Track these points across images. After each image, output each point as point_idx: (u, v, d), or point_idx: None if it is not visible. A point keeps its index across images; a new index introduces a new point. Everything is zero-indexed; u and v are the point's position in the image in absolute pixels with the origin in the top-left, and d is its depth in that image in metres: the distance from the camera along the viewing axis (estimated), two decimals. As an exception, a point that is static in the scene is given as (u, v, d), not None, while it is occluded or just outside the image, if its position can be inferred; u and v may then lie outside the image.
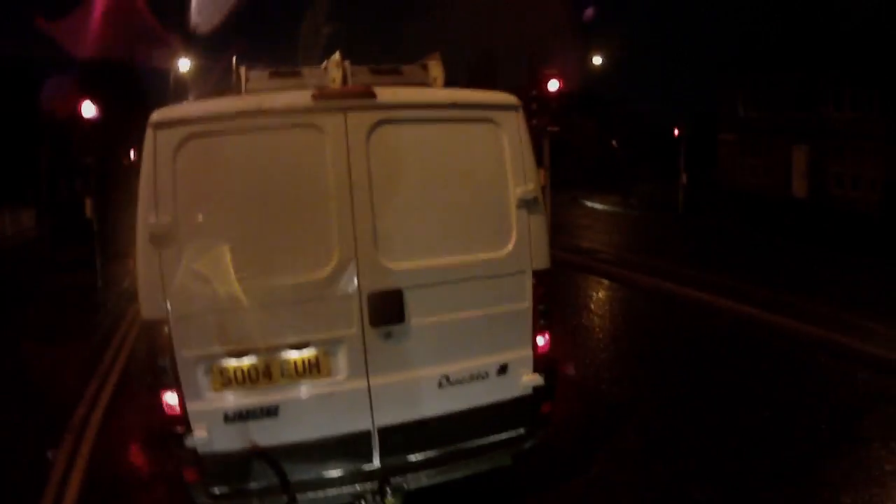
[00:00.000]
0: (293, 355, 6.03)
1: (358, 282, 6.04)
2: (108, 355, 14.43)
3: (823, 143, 44.92)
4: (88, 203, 22.31)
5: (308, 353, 6.06)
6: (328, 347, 6.09)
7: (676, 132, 41.56)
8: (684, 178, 38.89)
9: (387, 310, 6.11)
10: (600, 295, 18.62)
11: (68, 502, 8.38)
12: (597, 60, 42.50)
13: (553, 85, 23.91)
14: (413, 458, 6.44)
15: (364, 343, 6.13)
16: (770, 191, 47.31)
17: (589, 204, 44.84)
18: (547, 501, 7.79)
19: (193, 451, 5.89)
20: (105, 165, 27.41)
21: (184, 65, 36.30)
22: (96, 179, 22.95)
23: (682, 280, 18.73)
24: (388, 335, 6.17)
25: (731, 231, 31.21)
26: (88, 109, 21.87)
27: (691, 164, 39.64)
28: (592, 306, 17.27)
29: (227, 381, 5.93)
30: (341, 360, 6.13)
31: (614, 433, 9.29)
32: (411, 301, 6.18)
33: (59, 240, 30.25)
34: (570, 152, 52.56)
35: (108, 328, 16.86)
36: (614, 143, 57.59)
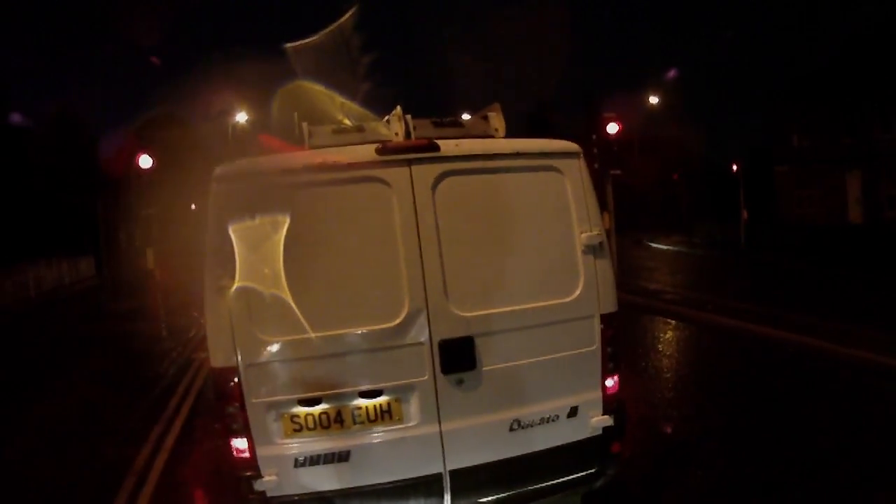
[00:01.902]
0: (365, 402, 6.05)
1: (429, 330, 6.04)
2: (174, 402, 14.50)
3: (875, 167, 44.42)
4: (149, 254, 22.53)
5: (380, 400, 6.07)
6: (400, 394, 6.09)
7: (735, 168, 41.24)
8: (745, 215, 38.51)
9: (458, 357, 6.10)
10: (667, 335, 18.41)
11: None
12: (653, 100, 42.49)
13: (612, 128, 23.88)
14: (484, 500, 6.38)
15: (436, 389, 6.11)
16: (827, 219, 46.96)
17: (653, 245, 44.67)
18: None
19: (262, 495, 5.93)
20: (165, 216, 27.64)
21: (242, 118, 36.69)
22: (157, 230, 23.16)
23: (747, 317, 18.46)
24: (459, 381, 6.14)
25: (793, 265, 30.89)
26: (146, 161, 22.16)
27: (749, 198, 39.25)
28: (660, 346, 17.09)
29: (298, 427, 5.97)
30: (413, 407, 6.12)
31: (682, 472, 9.17)
32: (482, 348, 6.15)
33: (118, 289, 30.57)
34: (632, 194, 52.40)
35: (174, 376, 16.99)
36: (675, 176, 57.28)
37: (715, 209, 51.92)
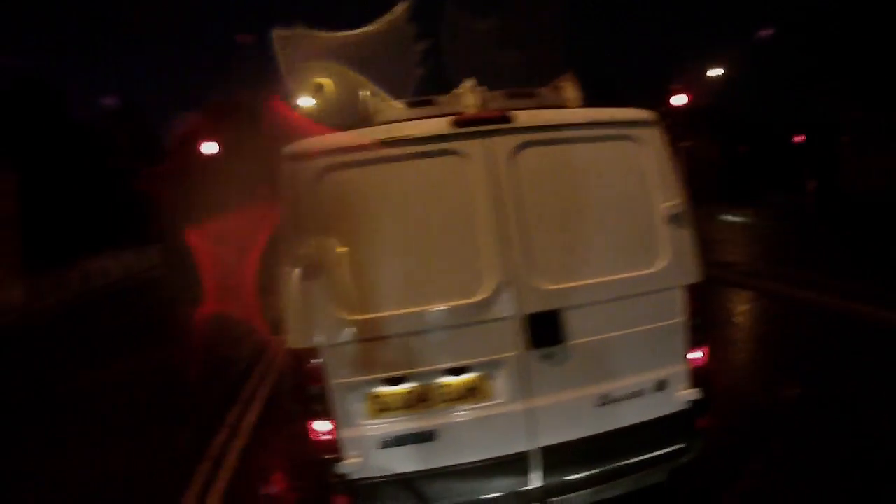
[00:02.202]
0: (451, 380, 6.00)
1: (516, 304, 5.96)
2: (250, 385, 14.53)
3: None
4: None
5: (467, 378, 6.01)
6: (487, 371, 6.02)
7: (799, 139, 40.47)
8: (812, 185, 37.74)
9: (546, 331, 6.03)
10: (744, 307, 18.05)
11: None
12: (716, 72, 42.03)
13: (680, 99, 23.49)
14: (572, 477, 6.28)
15: (524, 365, 6.03)
16: (892, 190, 45.63)
17: (723, 217, 44.04)
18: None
19: (345, 478, 5.92)
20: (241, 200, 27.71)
21: (305, 102, 36.69)
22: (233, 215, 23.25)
23: (823, 289, 18.09)
24: (547, 356, 6.06)
25: (863, 236, 30.17)
26: (211, 147, 22.22)
27: (813, 169, 38.44)
28: (737, 318, 16.78)
29: (383, 407, 5.93)
30: (500, 384, 6.04)
31: (765, 447, 8.90)
32: (569, 321, 6.07)
33: (189, 277, 30.82)
34: (700, 166, 51.79)
35: (250, 360, 17.04)
36: (741, 149, 56.42)
37: (781, 181, 51.02)
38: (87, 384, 15.89)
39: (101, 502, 9.28)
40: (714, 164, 59.89)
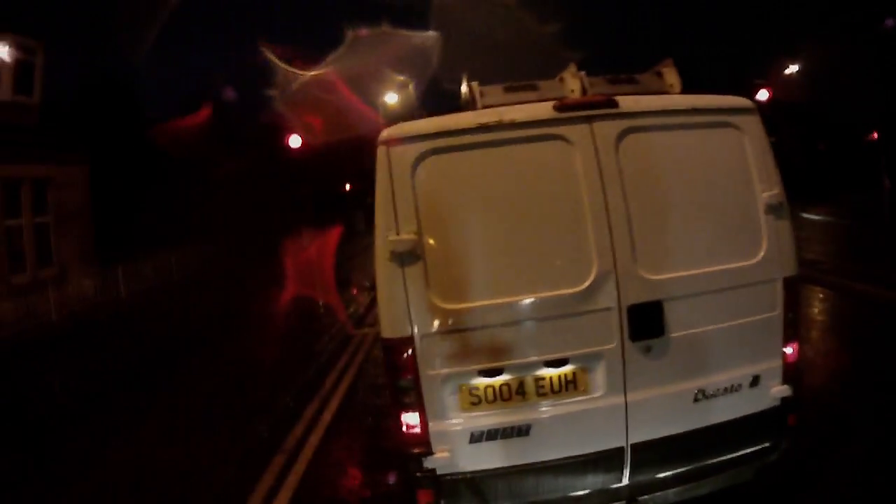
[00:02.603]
0: (549, 372, 5.78)
1: (618, 294, 5.75)
2: (330, 379, 14.26)
3: None
4: (305, 232, 22.36)
5: (565, 370, 5.80)
6: (586, 363, 5.81)
7: (875, 135, 39.26)
8: (887, 184, 36.38)
9: (647, 323, 5.82)
10: (826, 306, 17.59)
11: None
12: (796, 67, 41.27)
13: (762, 94, 22.85)
14: (662, 475, 6.07)
15: (623, 358, 5.82)
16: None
17: (804, 215, 42.88)
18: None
19: (433, 473, 5.73)
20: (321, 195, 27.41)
21: (391, 98, 36.23)
22: (314, 208, 22.93)
23: None
24: (647, 349, 5.85)
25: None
26: (296, 141, 22.01)
27: (889, 169, 37.11)
28: (821, 317, 16.34)
29: (477, 400, 5.75)
30: (599, 376, 5.83)
31: (845, 448, 8.60)
32: (669, 313, 5.86)
33: (269, 270, 30.49)
34: (782, 163, 50.79)
35: (332, 353, 16.71)
36: (821, 146, 55.24)
37: (857, 179, 49.57)
38: (161, 377, 15.68)
39: (173, 492, 9.05)
40: (795, 161, 58.78)
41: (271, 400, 12.76)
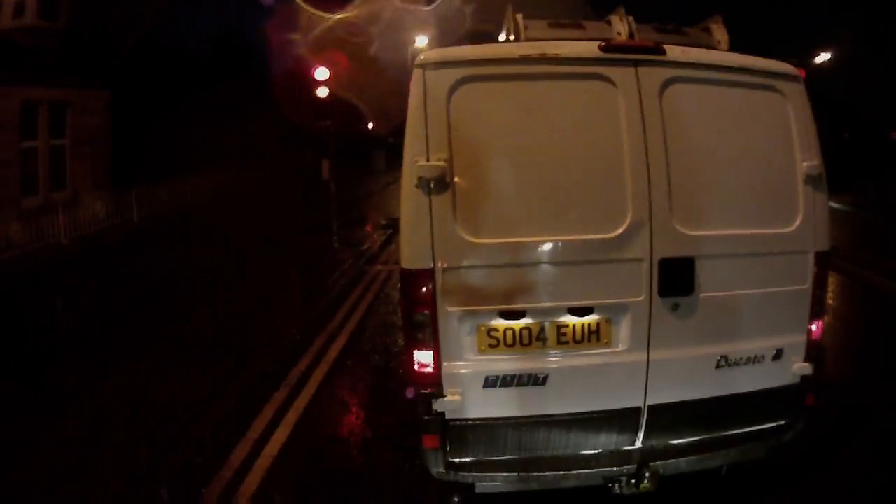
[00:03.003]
0: (573, 320, 5.64)
1: (651, 246, 5.60)
2: (340, 314, 14.20)
3: None
4: (325, 165, 22.26)
5: (590, 319, 5.66)
6: (612, 314, 5.68)
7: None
8: None
9: (678, 279, 5.69)
10: (843, 294, 17.42)
11: (266, 456, 8.04)
12: (824, 57, 41.15)
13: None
14: (676, 442, 6.01)
15: (650, 313, 5.68)
16: None
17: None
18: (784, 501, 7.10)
19: (441, 417, 5.62)
20: (341, 130, 27.09)
21: (421, 41, 35.79)
22: (333, 143, 22.65)
23: None
24: (674, 307, 5.71)
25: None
26: (322, 73, 21.69)
27: None
28: (835, 304, 16.05)
29: (495, 342, 5.60)
30: (624, 330, 5.71)
31: (853, 436, 8.46)
32: (701, 272, 5.73)
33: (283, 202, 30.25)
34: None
35: (343, 288, 16.60)
36: (846, 135, 54.97)
37: (880, 172, 49.41)
38: (167, 306, 15.35)
39: (168, 425, 8.75)
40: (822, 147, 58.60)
41: (278, 333, 12.57)
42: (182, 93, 35.44)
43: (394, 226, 25.27)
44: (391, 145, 58.38)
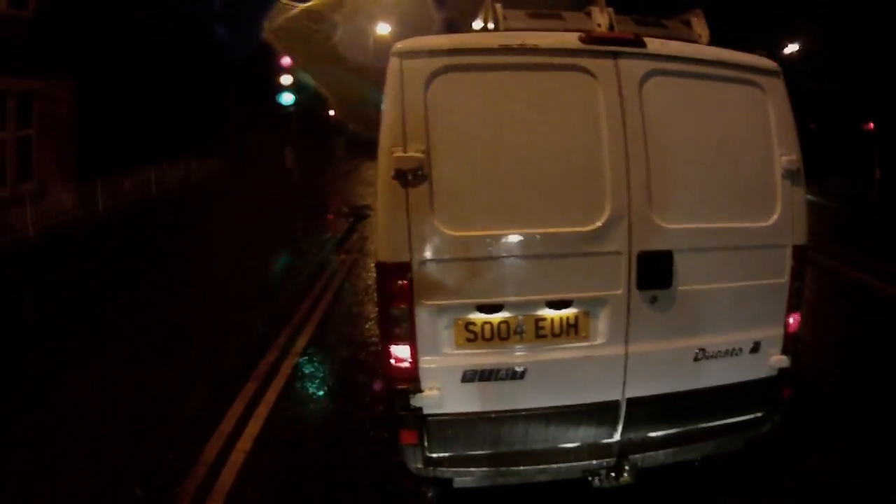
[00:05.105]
0: (552, 313, 5.66)
1: (629, 239, 5.63)
2: (305, 305, 14.18)
3: None
4: (289, 153, 22.27)
5: (568, 312, 5.69)
6: (590, 308, 5.71)
7: (870, 125, 39.34)
8: (878, 174, 36.71)
9: (656, 272, 5.72)
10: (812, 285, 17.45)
11: (237, 454, 7.97)
12: (791, 48, 41.45)
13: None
14: (655, 434, 6.05)
15: (628, 306, 5.72)
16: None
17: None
18: (762, 492, 7.18)
19: (418, 412, 5.62)
20: (304, 116, 27.15)
21: (384, 28, 35.84)
22: (296, 131, 22.70)
23: (882, 276, 17.85)
24: (652, 300, 5.75)
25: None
26: (287, 60, 21.76)
27: (885, 157, 37.33)
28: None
29: (472, 336, 5.60)
30: (602, 323, 5.74)
31: (828, 427, 8.66)
32: (679, 265, 5.76)
33: (248, 189, 30.24)
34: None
35: (308, 278, 16.61)
36: (812, 126, 55.20)
37: (848, 165, 49.62)
38: (126, 300, 15.19)
39: (139, 421, 8.71)
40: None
41: (244, 323, 12.56)
42: (148, 81, 35.36)
43: (355, 214, 25.53)
44: (351, 132, 58.35)
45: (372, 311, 13.20)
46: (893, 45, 41.69)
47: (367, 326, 12.35)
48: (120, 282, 16.53)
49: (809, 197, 6.22)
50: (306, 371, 10.47)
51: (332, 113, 61.13)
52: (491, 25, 6.15)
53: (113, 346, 11.55)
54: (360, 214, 25.71)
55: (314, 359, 11.01)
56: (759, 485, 7.18)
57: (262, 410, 8.96)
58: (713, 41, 6.21)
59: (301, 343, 11.61)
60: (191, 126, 39.38)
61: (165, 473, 7.50)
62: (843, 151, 49.31)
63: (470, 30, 6.90)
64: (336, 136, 61.20)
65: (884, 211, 35.91)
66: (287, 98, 21.81)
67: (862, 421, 8.68)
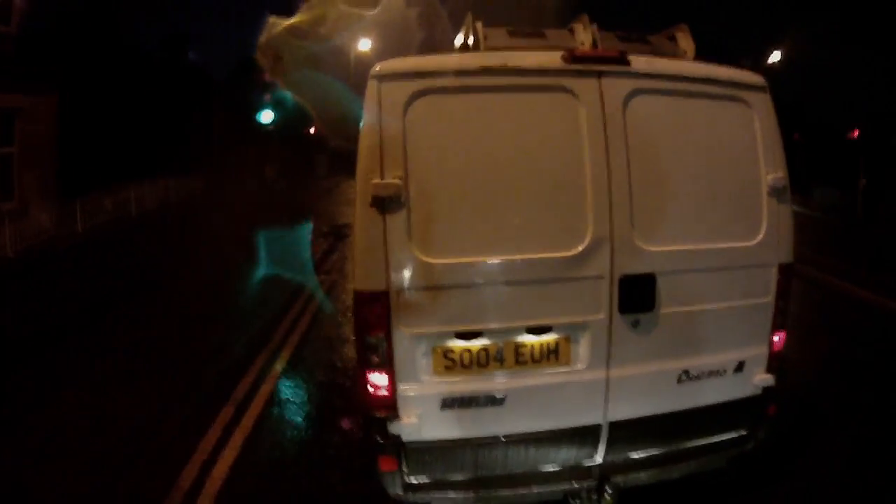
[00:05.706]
0: (531, 339, 5.63)
1: (611, 263, 5.58)
2: (282, 328, 14.01)
3: None
4: (268, 171, 22.33)
5: (548, 338, 5.65)
6: (571, 333, 5.67)
7: (855, 134, 39.52)
8: (863, 183, 36.87)
9: (638, 295, 5.68)
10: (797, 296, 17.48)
11: (215, 478, 7.92)
12: (775, 57, 41.57)
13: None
14: (636, 455, 6.03)
15: (610, 331, 5.68)
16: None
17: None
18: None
19: (397, 440, 5.60)
20: (284, 136, 27.29)
21: (364, 44, 35.92)
22: (278, 149, 22.87)
23: (860, 282, 18.24)
24: (634, 323, 5.72)
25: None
26: (268, 77, 21.91)
27: (869, 166, 37.46)
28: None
29: (451, 364, 5.57)
30: (583, 348, 5.71)
31: (818, 443, 8.65)
32: (662, 287, 5.72)
33: (226, 209, 30.20)
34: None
35: (284, 300, 16.43)
36: (796, 136, 55.39)
37: (832, 174, 49.77)
38: (104, 321, 15.15)
39: (118, 443, 8.74)
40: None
41: (222, 346, 12.53)
42: (130, 97, 35.41)
43: (335, 233, 25.50)
44: (333, 150, 58.27)
45: (350, 333, 13.02)
46: (878, 54, 41.83)
47: (344, 350, 12.26)
48: (97, 303, 16.48)
49: (795, 207, 6.30)
50: (284, 396, 10.39)
51: (311, 131, 61.26)
52: (472, 39, 6.09)
53: (87, 369, 11.56)
54: (338, 233, 25.57)
55: (292, 383, 10.93)
56: (746, 498, 7.25)
57: (238, 438, 8.86)
58: (699, 50, 6.22)
59: (279, 367, 11.53)
60: (173, 142, 39.42)
61: (141, 502, 7.44)
62: (827, 160, 49.41)
63: (452, 47, 6.90)
64: (318, 154, 61.13)
65: (870, 220, 35.84)
66: (266, 116, 21.89)
67: (851, 433, 8.74)
